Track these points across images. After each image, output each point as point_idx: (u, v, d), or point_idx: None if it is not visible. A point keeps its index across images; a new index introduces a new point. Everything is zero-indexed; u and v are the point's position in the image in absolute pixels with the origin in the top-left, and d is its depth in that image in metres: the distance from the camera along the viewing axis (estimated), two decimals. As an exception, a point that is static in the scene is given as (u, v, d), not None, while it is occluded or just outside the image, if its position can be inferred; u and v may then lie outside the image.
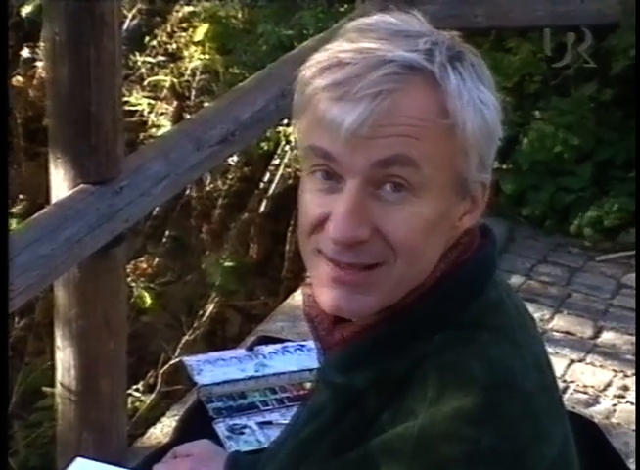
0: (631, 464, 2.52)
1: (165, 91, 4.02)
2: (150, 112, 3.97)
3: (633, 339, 3.00)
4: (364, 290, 0.99)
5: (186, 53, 4.04)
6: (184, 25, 4.14)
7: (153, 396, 3.04)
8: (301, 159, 1.03)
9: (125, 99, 3.67)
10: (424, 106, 0.96)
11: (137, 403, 3.03)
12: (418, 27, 1.01)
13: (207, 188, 3.86)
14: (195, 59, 3.99)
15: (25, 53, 4.10)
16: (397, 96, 0.95)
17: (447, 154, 0.98)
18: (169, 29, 4.16)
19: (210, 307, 3.49)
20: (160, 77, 4.05)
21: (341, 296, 0.99)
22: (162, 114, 3.97)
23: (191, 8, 4.16)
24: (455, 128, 0.97)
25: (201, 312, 3.48)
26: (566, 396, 2.75)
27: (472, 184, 1.01)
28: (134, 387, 3.04)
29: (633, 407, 2.74)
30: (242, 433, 1.72)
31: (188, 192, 3.78)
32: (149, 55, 4.10)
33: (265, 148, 3.79)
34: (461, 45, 1.01)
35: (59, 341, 2.31)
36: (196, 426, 1.75)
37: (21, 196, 3.40)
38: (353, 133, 0.95)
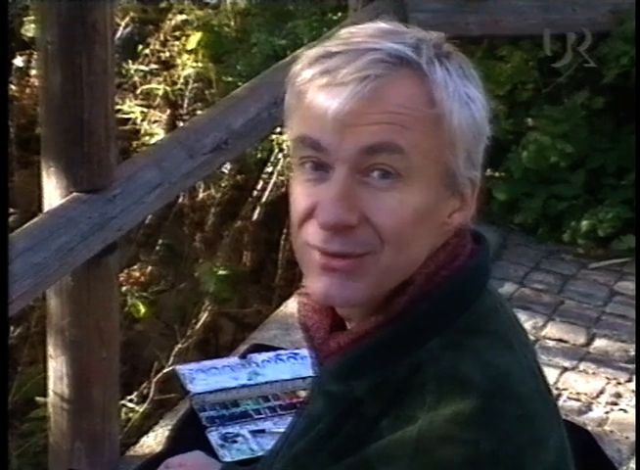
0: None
1: (158, 99, 4.03)
2: (143, 120, 3.97)
3: (626, 346, 3.00)
4: (354, 277, 0.99)
5: (179, 61, 4.05)
6: (177, 34, 4.15)
7: (145, 405, 3.03)
8: (292, 152, 1.04)
9: (118, 107, 3.67)
10: (411, 94, 0.97)
11: (130, 413, 3.02)
12: (406, 29, 1.03)
13: (201, 196, 3.86)
14: (188, 67, 3.99)
15: (18, 61, 4.10)
16: (384, 82, 0.96)
17: (435, 144, 0.98)
18: (162, 38, 4.17)
19: (204, 316, 3.48)
20: (153, 86, 4.05)
21: (331, 283, 0.99)
22: (155, 122, 3.97)
23: (184, 16, 4.17)
24: (442, 118, 0.98)
25: (194, 321, 3.47)
26: (559, 403, 2.74)
27: (460, 180, 1.01)
28: (127, 397, 3.03)
29: (626, 415, 2.74)
30: (235, 441, 1.72)
31: (181, 200, 3.78)
32: (142, 63, 4.11)
33: (259, 156, 3.80)
34: (449, 47, 1.02)
35: (51, 349, 2.30)
36: (189, 435, 1.75)
37: (13, 209, 3.40)
38: (340, 118, 0.96)
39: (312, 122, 0.98)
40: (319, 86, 0.98)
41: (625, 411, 2.75)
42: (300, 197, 1.01)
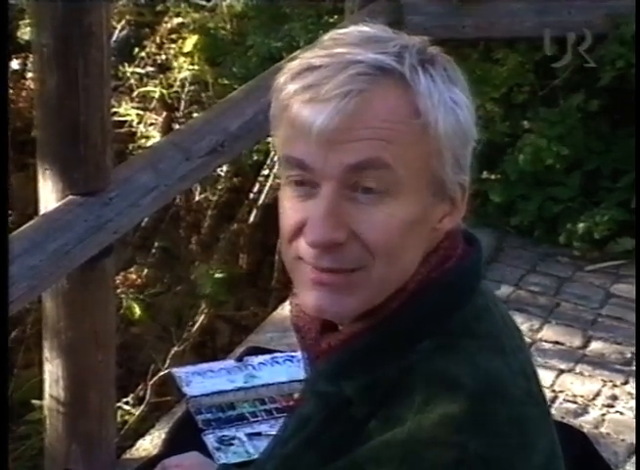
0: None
1: (155, 102, 4.03)
2: (139, 122, 3.97)
3: (622, 348, 3.01)
4: (346, 291, 0.99)
5: (175, 64, 4.05)
6: (173, 37, 4.15)
7: (142, 407, 3.03)
8: (279, 168, 1.05)
9: (114, 110, 3.67)
10: (394, 107, 0.97)
11: (126, 416, 3.02)
12: (390, 34, 1.02)
13: (197, 199, 3.86)
14: (184, 70, 3.99)
15: (14, 64, 4.10)
16: (367, 96, 0.96)
17: (421, 154, 0.98)
18: (158, 41, 4.17)
19: (200, 318, 3.48)
20: (150, 88, 4.05)
21: (323, 297, 1.00)
22: (152, 124, 3.97)
23: (180, 19, 4.17)
24: (427, 128, 0.97)
25: (190, 323, 3.47)
26: (555, 405, 2.75)
27: (449, 185, 1.01)
28: (124, 400, 3.03)
29: (622, 417, 2.75)
30: (231, 444, 1.72)
31: (177, 203, 3.78)
32: (138, 66, 4.11)
33: (255, 158, 3.80)
34: (432, 50, 1.02)
35: (47, 352, 2.30)
36: (185, 437, 1.75)
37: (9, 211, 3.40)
38: (325, 135, 0.95)
39: (296, 141, 0.98)
40: (302, 102, 0.97)
41: (622, 414, 2.76)
42: (289, 213, 1.01)
